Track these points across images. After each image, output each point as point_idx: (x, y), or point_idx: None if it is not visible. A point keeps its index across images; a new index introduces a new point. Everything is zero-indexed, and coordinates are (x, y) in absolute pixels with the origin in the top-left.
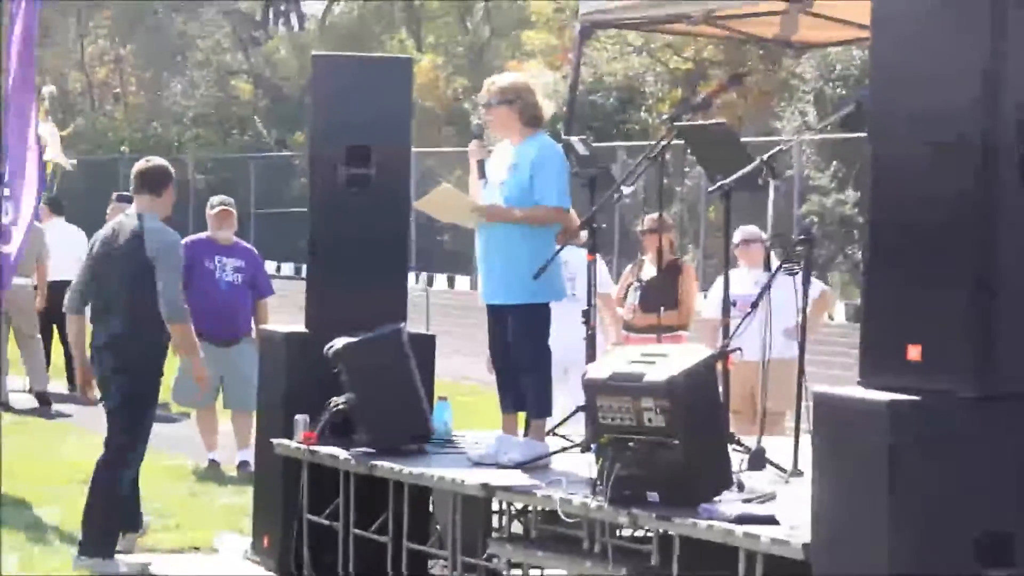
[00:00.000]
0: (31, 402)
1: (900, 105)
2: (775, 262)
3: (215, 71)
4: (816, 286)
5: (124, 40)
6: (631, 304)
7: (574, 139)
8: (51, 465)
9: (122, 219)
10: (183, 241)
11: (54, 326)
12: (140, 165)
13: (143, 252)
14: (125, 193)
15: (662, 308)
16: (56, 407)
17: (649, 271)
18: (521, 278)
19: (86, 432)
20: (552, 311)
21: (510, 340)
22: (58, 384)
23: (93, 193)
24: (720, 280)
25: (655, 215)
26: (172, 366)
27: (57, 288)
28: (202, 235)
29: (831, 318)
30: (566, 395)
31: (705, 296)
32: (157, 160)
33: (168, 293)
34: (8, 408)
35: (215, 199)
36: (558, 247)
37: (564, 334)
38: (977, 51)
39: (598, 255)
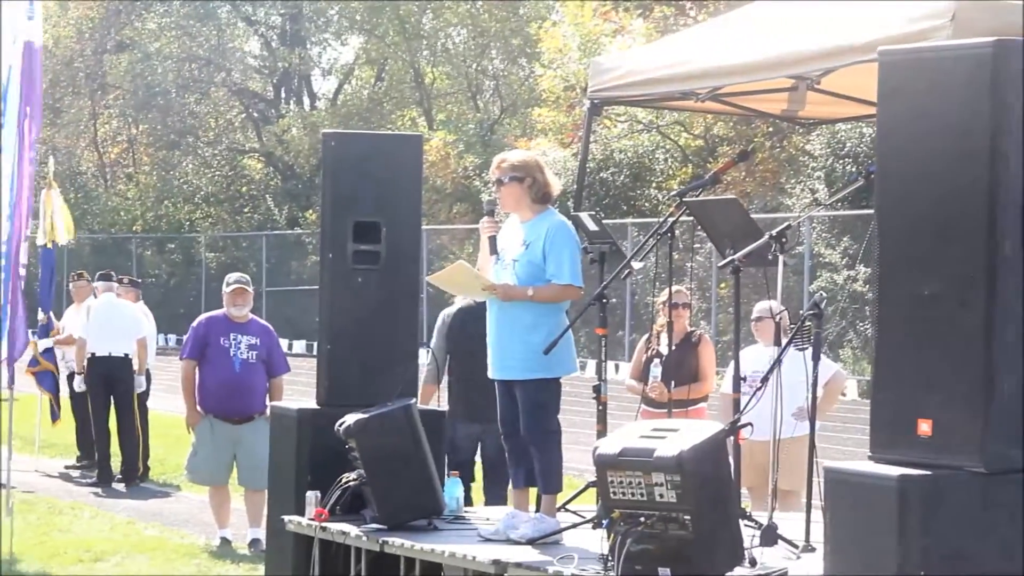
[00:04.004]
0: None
1: (906, 176)
2: (785, 338)
3: (226, 150)
4: (829, 367)
5: (136, 120)
6: (654, 379)
7: (584, 215)
8: (65, 544)
9: (470, 302)
10: (199, 319)
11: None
12: None
13: None
14: (104, 271)
15: (672, 383)
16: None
17: (667, 344)
18: (533, 353)
19: (98, 511)
20: None
21: (521, 415)
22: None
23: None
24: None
25: (677, 288)
26: (186, 442)
27: (102, 363)
28: (217, 312)
29: (843, 394)
30: None
31: (719, 372)
32: None
33: None
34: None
35: (231, 276)
36: (569, 323)
37: None
38: (981, 122)
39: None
